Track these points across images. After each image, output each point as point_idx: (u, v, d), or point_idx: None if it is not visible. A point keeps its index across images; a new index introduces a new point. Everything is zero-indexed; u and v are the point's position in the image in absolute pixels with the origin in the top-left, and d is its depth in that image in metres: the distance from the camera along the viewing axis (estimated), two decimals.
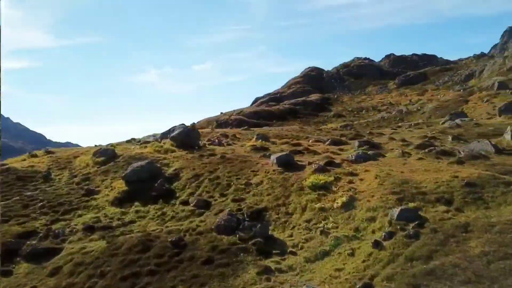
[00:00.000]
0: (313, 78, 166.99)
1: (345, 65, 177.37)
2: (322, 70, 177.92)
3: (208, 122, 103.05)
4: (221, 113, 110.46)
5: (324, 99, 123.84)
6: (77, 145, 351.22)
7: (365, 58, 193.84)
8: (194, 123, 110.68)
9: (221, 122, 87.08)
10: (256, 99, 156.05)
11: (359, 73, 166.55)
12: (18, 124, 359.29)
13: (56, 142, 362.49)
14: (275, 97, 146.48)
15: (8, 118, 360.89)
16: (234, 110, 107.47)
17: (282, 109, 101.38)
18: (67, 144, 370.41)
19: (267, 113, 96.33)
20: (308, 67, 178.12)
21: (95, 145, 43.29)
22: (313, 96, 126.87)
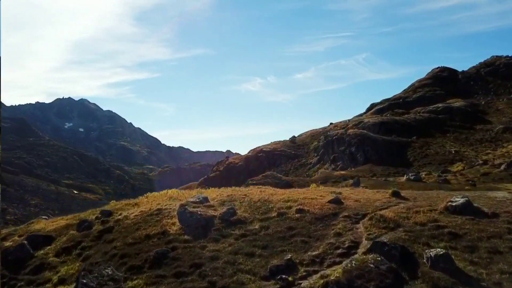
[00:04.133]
0: (445, 80, 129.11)
1: (487, 64, 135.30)
2: (456, 70, 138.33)
3: (312, 136, 75.31)
4: (331, 123, 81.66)
5: (473, 106, 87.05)
6: (188, 150, 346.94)
7: (508, 56, 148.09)
8: (294, 136, 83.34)
9: (333, 137, 58.08)
10: (372, 106, 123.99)
11: (509, 73, 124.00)
12: (138, 129, 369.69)
13: (169, 147, 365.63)
14: (397, 103, 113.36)
15: (130, 123, 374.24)
16: (349, 120, 77.52)
17: (420, 119, 68.68)
18: (180, 149, 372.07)
19: (398, 124, 64.63)
20: (437, 67, 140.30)
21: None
22: (455, 102, 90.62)
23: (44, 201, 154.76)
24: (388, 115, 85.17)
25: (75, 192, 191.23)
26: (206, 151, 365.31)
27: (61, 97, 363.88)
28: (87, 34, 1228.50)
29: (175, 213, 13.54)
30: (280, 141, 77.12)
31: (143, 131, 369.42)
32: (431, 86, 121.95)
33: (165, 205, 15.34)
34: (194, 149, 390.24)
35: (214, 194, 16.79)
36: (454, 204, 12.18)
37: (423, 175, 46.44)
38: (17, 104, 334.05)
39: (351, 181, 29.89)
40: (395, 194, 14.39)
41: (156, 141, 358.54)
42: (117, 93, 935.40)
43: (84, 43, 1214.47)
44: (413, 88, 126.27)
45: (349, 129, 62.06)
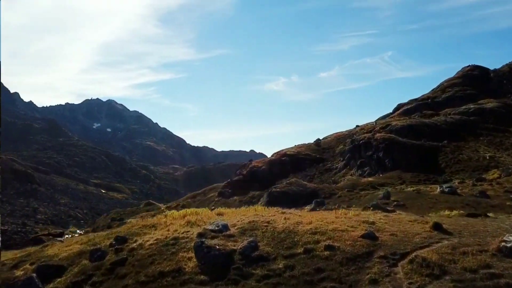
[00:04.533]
0: (476, 79, 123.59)
1: None
2: (487, 69, 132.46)
3: (337, 139, 73.09)
4: (357, 126, 79.23)
5: (507, 106, 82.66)
6: (212, 149, 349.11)
7: None
8: (319, 139, 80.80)
9: (360, 142, 55.94)
10: (399, 106, 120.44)
11: None
12: (164, 129, 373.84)
13: (194, 146, 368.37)
14: (425, 103, 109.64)
15: (156, 124, 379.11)
16: (376, 123, 74.91)
17: (450, 121, 65.61)
18: (204, 149, 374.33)
19: (428, 127, 61.88)
20: (467, 66, 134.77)
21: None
22: (487, 102, 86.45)
23: (73, 200, 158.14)
24: (417, 116, 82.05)
25: (103, 191, 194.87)
26: (230, 150, 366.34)
27: (90, 98, 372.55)
28: (114, 36, 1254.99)
29: (192, 244, 12.39)
30: (304, 144, 75.28)
31: (168, 131, 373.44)
32: (461, 86, 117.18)
33: (182, 233, 14.22)
34: (218, 149, 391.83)
35: (235, 219, 15.55)
36: (508, 245, 10.50)
37: (456, 183, 43.93)
38: (48, 105, 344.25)
39: (380, 194, 28.00)
40: (437, 227, 12.73)
41: (181, 141, 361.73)
42: (143, 94, 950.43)
43: (111, 45, 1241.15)
44: (442, 87, 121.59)
45: (376, 132, 59.68)
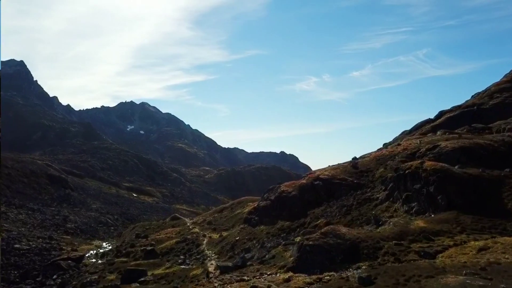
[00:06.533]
0: None
1: None
2: None
3: (377, 160, 63.78)
4: (398, 144, 69.77)
5: None
6: (243, 151, 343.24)
7: None
8: (355, 158, 70.85)
9: (406, 171, 47.24)
10: (441, 113, 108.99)
11: None
12: (196, 130, 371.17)
13: (225, 148, 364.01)
14: (471, 111, 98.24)
15: (188, 126, 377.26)
16: (420, 141, 65.29)
17: (508, 140, 55.61)
18: (235, 150, 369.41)
19: (484, 150, 52.31)
20: None
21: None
22: None
23: (105, 205, 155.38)
24: (465, 131, 71.74)
25: (134, 195, 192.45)
26: (261, 152, 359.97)
27: (124, 101, 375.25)
28: (148, 40, 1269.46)
29: None
30: (339, 164, 66.83)
31: (200, 132, 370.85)
32: (511, 91, 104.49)
33: None
34: (249, 150, 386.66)
35: None
36: None
37: None
38: (84, 109, 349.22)
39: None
40: None
41: (212, 142, 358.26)
42: (176, 95, 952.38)
43: (146, 48, 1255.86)
44: (489, 93, 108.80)
45: (424, 159, 50.80)
